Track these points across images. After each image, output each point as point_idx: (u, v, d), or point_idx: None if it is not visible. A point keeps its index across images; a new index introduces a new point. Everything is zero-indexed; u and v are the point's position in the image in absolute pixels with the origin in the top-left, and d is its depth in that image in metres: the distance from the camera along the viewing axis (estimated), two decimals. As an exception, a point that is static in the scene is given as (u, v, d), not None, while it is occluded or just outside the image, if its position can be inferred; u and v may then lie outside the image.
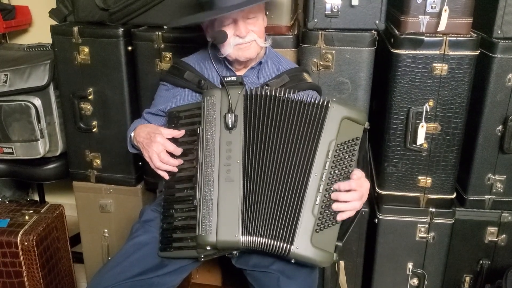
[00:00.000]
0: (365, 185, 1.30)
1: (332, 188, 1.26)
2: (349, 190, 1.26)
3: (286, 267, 1.32)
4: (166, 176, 1.37)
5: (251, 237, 1.25)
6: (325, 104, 1.28)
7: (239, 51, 1.42)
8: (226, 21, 1.39)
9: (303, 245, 1.23)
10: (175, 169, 1.35)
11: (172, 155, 1.35)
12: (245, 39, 1.40)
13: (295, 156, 1.27)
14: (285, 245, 1.24)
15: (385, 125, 1.65)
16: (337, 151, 1.26)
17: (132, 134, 1.49)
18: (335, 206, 1.25)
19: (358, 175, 1.28)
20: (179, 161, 1.35)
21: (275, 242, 1.24)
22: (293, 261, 1.28)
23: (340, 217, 1.26)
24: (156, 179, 1.72)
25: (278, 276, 1.31)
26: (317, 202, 1.25)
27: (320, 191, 1.25)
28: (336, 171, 1.27)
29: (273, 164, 1.28)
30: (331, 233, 1.26)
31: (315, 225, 1.24)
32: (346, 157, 1.27)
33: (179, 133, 1.36)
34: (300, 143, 1.28)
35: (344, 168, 1.27)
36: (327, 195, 1.26)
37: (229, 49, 1.41)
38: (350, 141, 1.28)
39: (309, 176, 1.25)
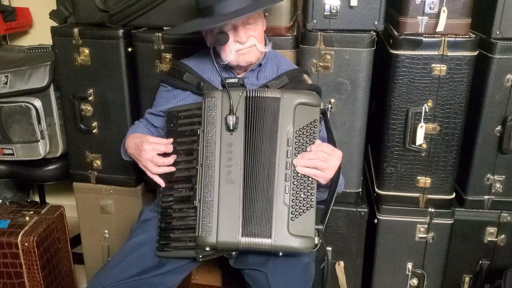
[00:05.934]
0: (337, 153, 1.31)
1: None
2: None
3: (279, 265, 1.34)
4: (162, 184, 1.38)
5: (250, 238, 1.26)
6: (276, 95, 1.30)
7: (239, 56, 1.43)
8: (226, 27, 1.40)
9: (280, 236, 1.25)
10: (173, 168, 1.36)
11: (165, 154, 1.36)
12: (245, 45, 1.41)
13: (267, 152, 1.29)
14: (265, 240, 1.25)
15: (384, 125, 1.66)
16: (297, 137, 1.29)
17: (126, 142, 1.51)
18: (295, 161, 1.27)
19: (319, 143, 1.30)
20: (173, 157, 1.36)
21: (259, 240, 1.26)
22: (280, 254, 1.30)
23: (301, 171, 1.27)
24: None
25: (266, 274, 1.32)
26: (287, 191, 1.27)
27: (287, 180, 1.27)
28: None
29: (262, 163, 1.29)
30: (307, 218, 1.27)
31: (290, 214, 1.26)
32: (307, 141, 1.29)
33: (166, 141, 1.37)
34: (268, 138, 1.30)
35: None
36: (295, 183, 1.28)
37: (230, 56, 1.42)
38: (308, 124, 1.30)
39: (275, 167, 1.28)
